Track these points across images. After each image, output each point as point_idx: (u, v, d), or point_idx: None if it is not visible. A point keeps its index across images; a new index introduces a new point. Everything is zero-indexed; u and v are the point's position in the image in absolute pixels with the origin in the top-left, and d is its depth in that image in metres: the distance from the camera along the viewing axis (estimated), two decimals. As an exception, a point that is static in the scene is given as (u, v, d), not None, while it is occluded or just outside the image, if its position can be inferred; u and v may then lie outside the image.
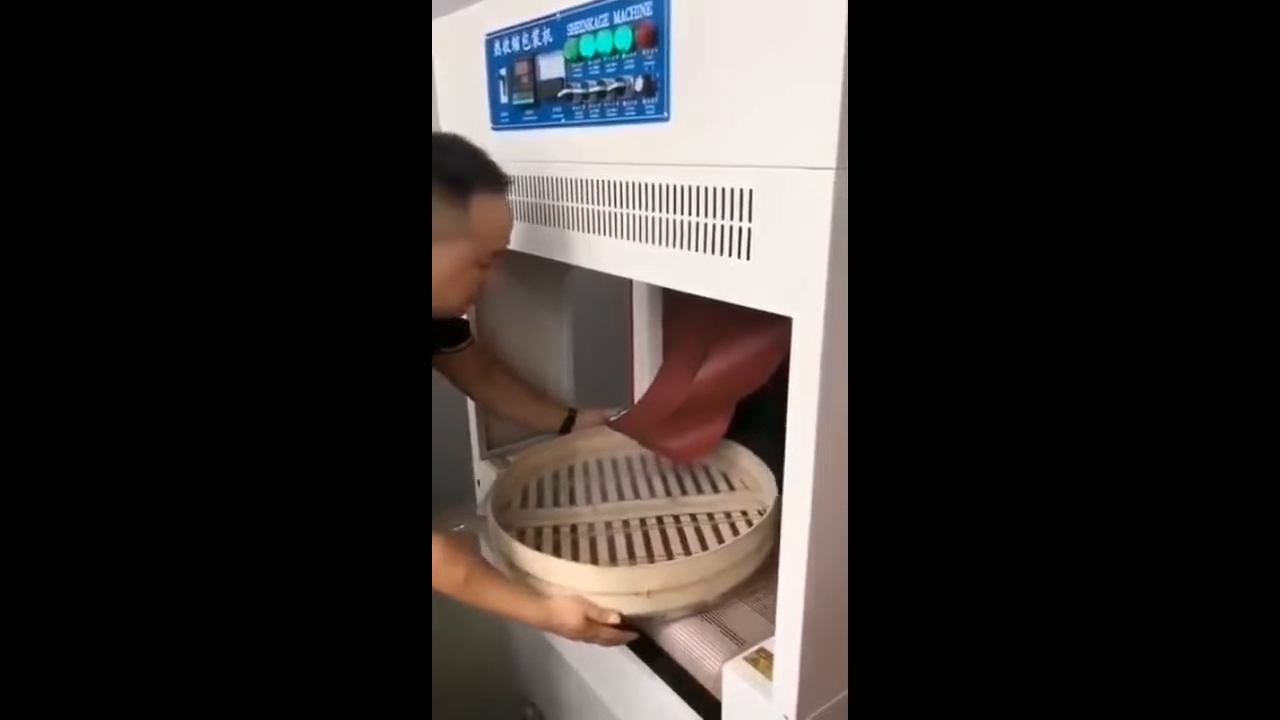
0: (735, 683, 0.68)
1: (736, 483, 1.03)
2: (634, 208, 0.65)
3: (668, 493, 1.01)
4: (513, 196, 0.85)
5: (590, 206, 0.71)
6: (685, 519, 0.94)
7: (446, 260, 0.70)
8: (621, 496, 1.01)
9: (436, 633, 0.67)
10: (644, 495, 1.01)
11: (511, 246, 0.90)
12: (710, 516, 0.94)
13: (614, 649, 0.85)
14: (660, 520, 0.94)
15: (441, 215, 0.67)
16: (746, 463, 1.03)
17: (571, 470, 1.09)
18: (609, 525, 0.93)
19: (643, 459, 1.11)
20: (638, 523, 0.94)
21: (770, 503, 0.87)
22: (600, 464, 1.11)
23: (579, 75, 0.67)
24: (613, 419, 1.10)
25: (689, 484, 1.03)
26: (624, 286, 1.34)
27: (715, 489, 1.01)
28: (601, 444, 1.13)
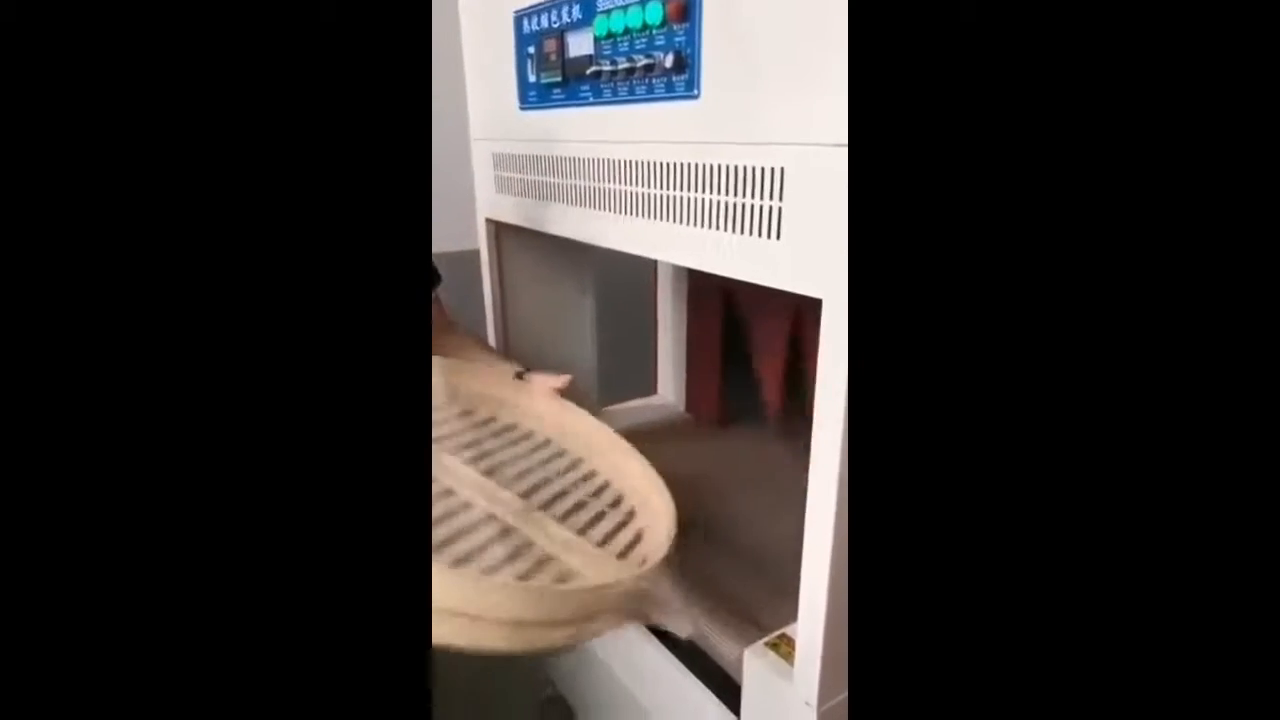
0: (756, 668, 0.68)
1: (631, 506, 0.75)
2: (662, 187, 0.64)
3: (534, 491, 0.73)
4: (539, 177, 0.85)
5: (617, 187, 0.70)
6: (515, 534, 0.65)
7: None
8: (490, 473, 0.73)
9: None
10: (508, 484, 0.72)
11: (537, 227, 0.90)
12: (532, 546, 0.64)
13: (633, 630, 0.85)
14: (490, 520, 0.66)
15: None
16: (652, 486, 0.77)
17: (478, 424, 0.84)
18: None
19: (560, 447, 0.85)
20: (461, 508, 0.66)
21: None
22: (507, 428, 0.86)
23: (608, 52, 0.66)
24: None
25: (574, 494, 0.75)
26: (650, 272, 1.33)
27: (597, 516, 0.72)
28: (526, 406, 0.88)
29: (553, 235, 0.89)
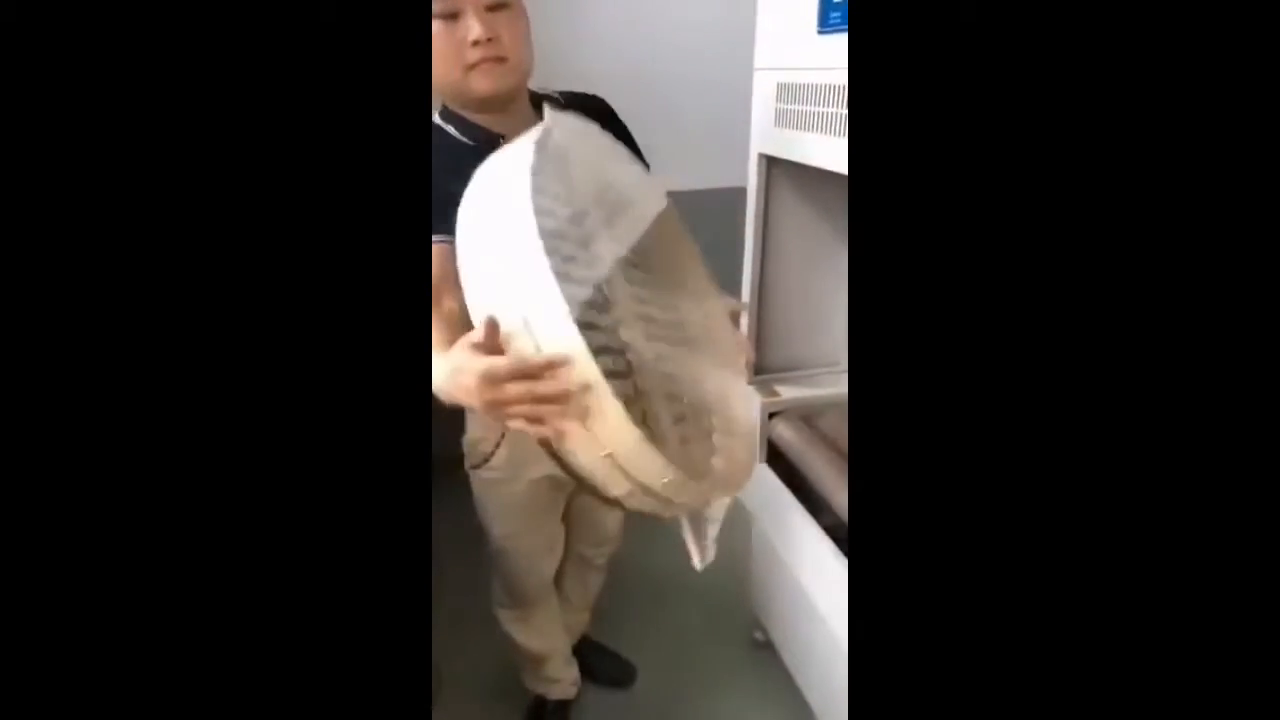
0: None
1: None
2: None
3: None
4: (827, 108, 0.80)
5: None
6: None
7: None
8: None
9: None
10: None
11: (816, 164, 0.85)
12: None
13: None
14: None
15: None
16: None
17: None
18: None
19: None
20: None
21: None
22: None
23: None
24: None
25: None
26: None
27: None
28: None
29: (825, 176, 0.84)
